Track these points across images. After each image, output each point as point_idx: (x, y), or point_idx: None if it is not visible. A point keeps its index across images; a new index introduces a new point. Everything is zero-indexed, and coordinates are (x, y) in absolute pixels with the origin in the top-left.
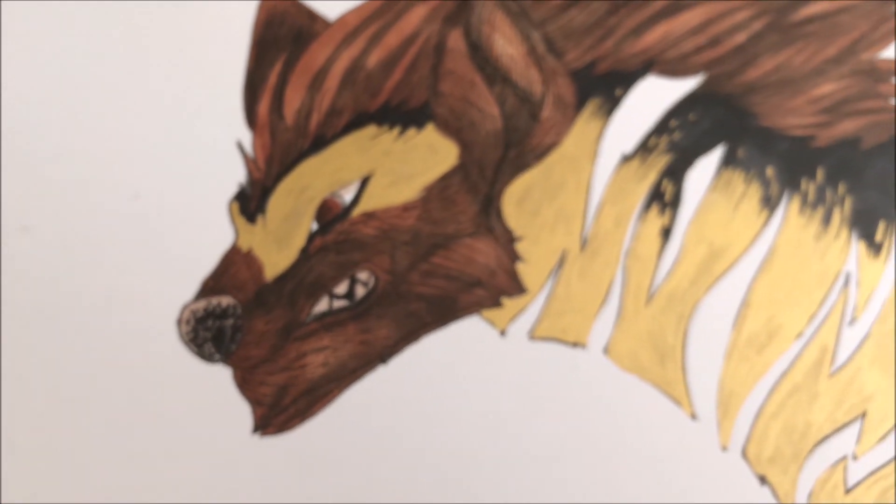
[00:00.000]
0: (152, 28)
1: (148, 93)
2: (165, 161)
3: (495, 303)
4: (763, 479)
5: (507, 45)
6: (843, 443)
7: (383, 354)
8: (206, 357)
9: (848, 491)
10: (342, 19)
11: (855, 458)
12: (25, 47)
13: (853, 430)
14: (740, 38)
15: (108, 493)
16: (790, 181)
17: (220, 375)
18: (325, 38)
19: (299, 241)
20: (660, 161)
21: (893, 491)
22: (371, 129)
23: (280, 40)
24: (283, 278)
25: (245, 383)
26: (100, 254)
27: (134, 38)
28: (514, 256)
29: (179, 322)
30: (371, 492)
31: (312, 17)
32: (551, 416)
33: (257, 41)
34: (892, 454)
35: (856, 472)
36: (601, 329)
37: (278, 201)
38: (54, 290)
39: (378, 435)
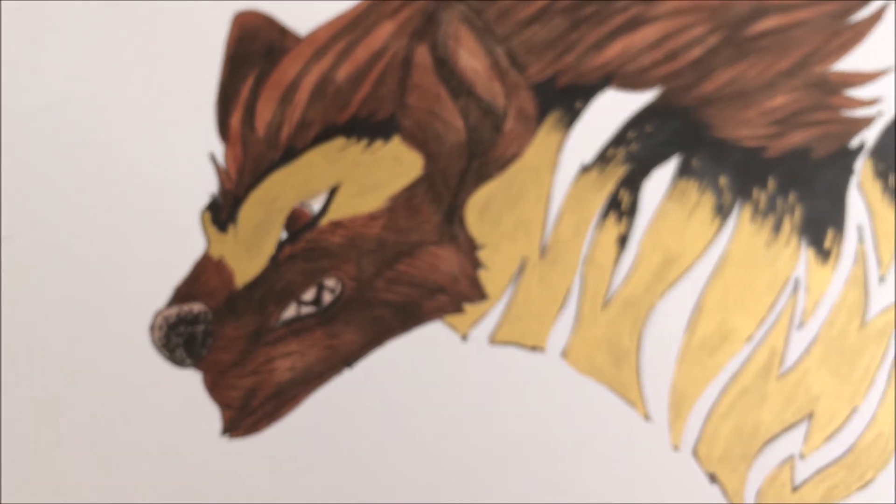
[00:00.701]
0: (129, 44)
1: (124, 105)
2: (140, 172)
3: (457, 308)
4: (713, 478)
5: (471, 59)
6: (791, 442)
7: (349, 358)
8: (178, 362)
9: (795, 489)
10: (312, 35)
11: (802, 457)
12: (4, 62)
13: (801, 430)
14: (696, 52)
15: (80, 493)
16: (742, 190)
17: (191, 379)
18: (295, 54)
19: (269, 249)
20: (617, 171)
21: (839, 489)
22: (340, 141)
23: (252, 55)
24: (252, 285)
25: (215, 387)
26: (74, 262)
27: (110, 54)
28: (476, 264)
29: (152, 328)
30: (336, 492)
31: (283, 32)
32: (510, 418)
33: (230, 56)
34: (839, 453)
35: (803, 470)
36: (559, 333)
37: (249, 211)
38: (30, 297)
39: (343, 437)
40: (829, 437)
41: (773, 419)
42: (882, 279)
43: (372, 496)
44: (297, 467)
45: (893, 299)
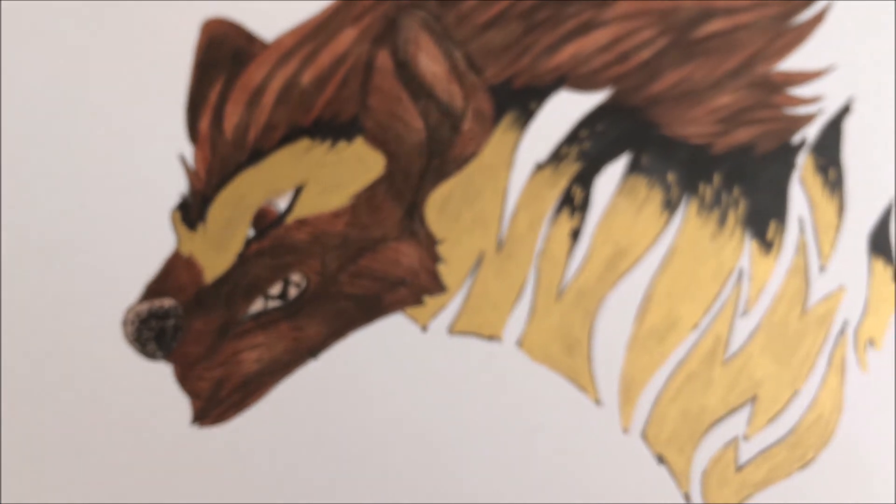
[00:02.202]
0: (103, 50)
1: (97, 109)
2: (113, 173)
3: (418, 301)
4: (661, 459)
5: (430, 63)
6: (735, 425)
7: (313, 350)
8: (149, 355)
9: (738, 469)
10: (278, 41)
11: (746, 438)
12: None
13: (744, 413)
14: (646, 54)
15: (55, 481)
16: (689, 185)
17: (162, 371)
18: (262, 59)
19: (237, 246)
20: (570, 169)
21: (781, 469)
22: (304, 143)
23: (220, 61)
24: (221, 281)
25: (185, 378)
26: (50, 260)
27: (83, 60)
28: (436, 258)
29: (124, 323)
30: (302, 479)
31: (250, 39)
32: (468, 404)
33: (199, 62)
34: (781, 435)
35: (746, 451)
36: (515, 323)
37: (218, 210)
38: (8, 294)
39: (308, 424)
40: (772, 420)
41: (718, 403)
42: (822, 269)
43: (336, 482)
44: (264, 455)
45: (833, 288)
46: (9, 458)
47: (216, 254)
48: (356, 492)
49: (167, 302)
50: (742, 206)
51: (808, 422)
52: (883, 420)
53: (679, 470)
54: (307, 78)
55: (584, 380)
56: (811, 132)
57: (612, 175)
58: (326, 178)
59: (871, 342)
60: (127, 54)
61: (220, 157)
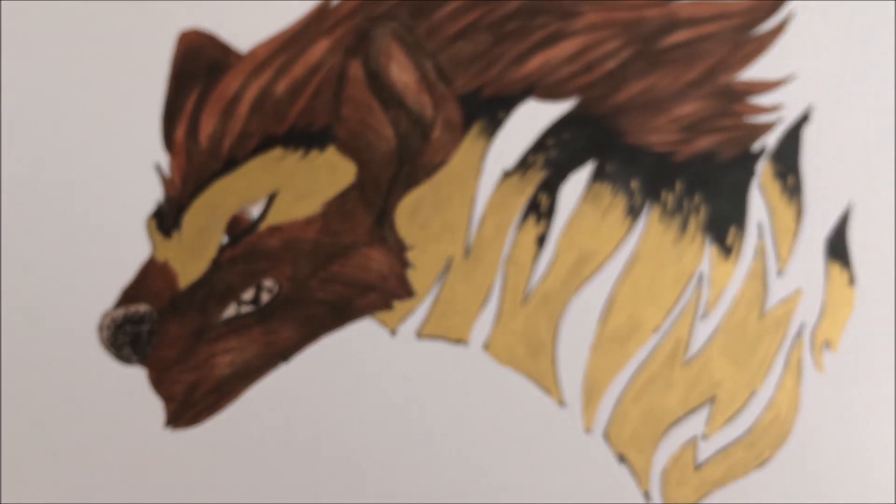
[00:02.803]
0: (80, 60)
1: (75, 119)
2: (90, 181)
3: (387, 305)
4: (622, 458)
5: (401, 73)
6: (694, 425)
7: (285, 353)
8: (124, 359)
9: (697, 468)
10: (253, 52)
11: (704, 438)
12: None
13: (703, 413)
14: (611, 64)
15: (30, 482)
16: (652, 192)
17: (137, 375)
18: (237, 69)
19: (211, 252)
20: (537, 176)
21: (739, 468)
22: (278, 151)
23: (196, 71)
24: (195, 287)
25: (159, 382)
26: (27, 265)
27: (62, 70)
28: (405, 263)
29: (100, 328)
30: (273, 479)
31: (226, 50)
32: (436, 406)
33: (175, 73)
34: (738, 434)
35: (705, 450)
36: (481, 327)
37: (192, 217)
38: None
39: (280, 426)
40: (730, 420)
41: (678, 403)
42: (780, 273)
43: (307, 481)
44: (235, 456)
45: (790, 291)
46: None
47: (191, 260)
48: (326, 490)
49: (142, 307)
50: (703, 212)
51: (765, 422)
52: (838, 420)
53: (639, 469)
54: (281, 88)
55: (548, 381)
56: (770, 140)
57: (577, 182)
58: (299, 186)
59: (828, 344)
60: (104, 64)
61: (195, 166)
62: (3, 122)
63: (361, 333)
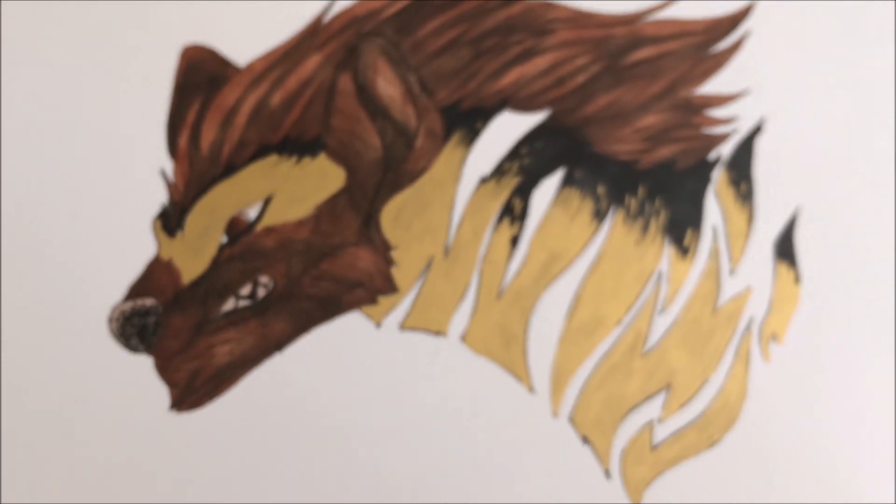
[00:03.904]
0: (92, 73)
1: (87, 129)
2: (100, 186)
3: (373, 300)
4: (585, 440)
5: (387, 86)
6: (652, 409)
7: (279, 344)
8: (132, 348)
9: (653, 448)
10: (250, 66)
11: (660, 421)
12: None
13: (660, 399)
14: (581, 79)
15: (44, 463)
16: (617, 197)
17: (143, 363)
18: (235, 82)
19: (211, 251)
20: (511, 182)
21: (691, 448)
22: (273, 158)
23: (197, 84)
24: (197, 283)
25: (164, 369)
26: (43, 263)
27: (76, 82)
28: (389, 262)
29: (110, 320)
30: (268, 457)
31: (225, 63)
32: (417, 392)
33: (178, 85)
34: (691, 418)
35: (661, 433)
36: (459, 320)
37: (194, 219)
38: (3, 295)
39: (274, 410)
40: (684, 405)
41: (637, 390)
42: (732, 272)
43: (299, 458)
44: (234, 437)
45: (741, 289)
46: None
47: (193, 258)
48: (318, 466)
49: (148, 301)
50: (663, 215)
51: (716, 407)
52: (783, 406)
53: (601, 449)
54: (276, 100)
55: (519, 370)
56: (726, 150)
57: (548, 188)
58: (292, 191)
59: (774, 337)
60: (113, 77)
61: (196, 172)
62: (22, 130)
63: (349, 326)
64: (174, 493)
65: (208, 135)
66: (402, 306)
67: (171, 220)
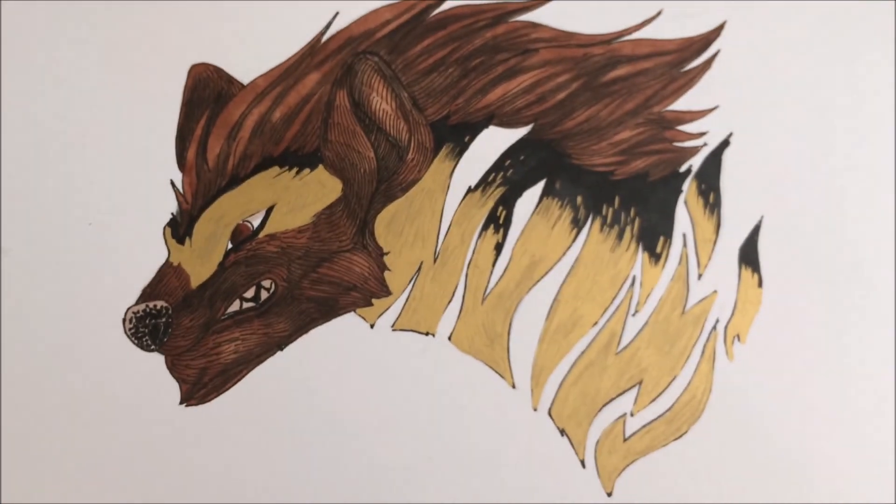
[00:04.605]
0: (107, 90)
1: (101, 143)
2: (114, 196)
3: (367, 303)
4: (563, 432)
5: (381, 102)
6: (624, 404)
7: (280, 343)
8: (145, 347)
9: (625, 440)
10: (253, 83)
11: (632, 415)
12: (6, 100)
13: (632, 394)
14: (561, 95)
15: (61, 453)
16: (594, 207)
17: (156, 361)
18: (239, 98)
19: (217, 256)
20: (496, 192)
21: (659, 439)
22: (274, 170)
23: (204, 100)
24: (204, 286)
25: (174, 366)
26: (62, 269)
27: (92, 99)
28: (383, 267)
29: (124, 321)
30: (270, 447)
31: (230, 81)
32: (407, 387)
33: (186, 101)
34: (660, 412)
35: (632, 425)
36: (447, 321)
37: (202, 227)
38: (27, 298)
39: (276, 404)
40: (653, 400)
41: (611, 386)
42: (700, 276)
43: (299, 448)
44: (239, 429)
45: (708, 292)
46: (30, 443)
47: (200, 263)
48: (317, 454)
49: (160, 303)
50: (637, 223)
51: (683, 401)
52: (745, 401)
53: (577, 441)
54: (277, 115)
55: (502, 367)
56: (696, 162)
57: (530, 197)
58: (292, 200)
59: (738, 337)
60: (127, 94)
61: (204, 183)
62: (46, 147)
63: (345, 326)
64: (184, 481)
65: (214, 148)
66: (395, 308)
67: (180, 228)
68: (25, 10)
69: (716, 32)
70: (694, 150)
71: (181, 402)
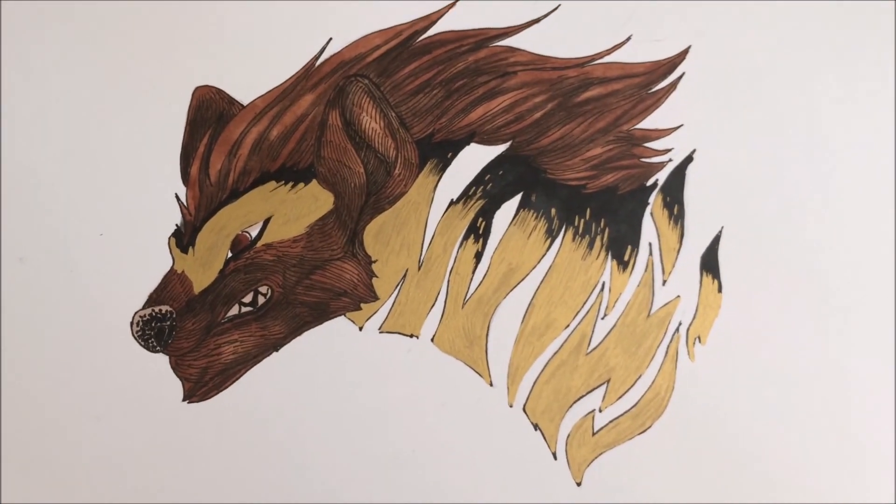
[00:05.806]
0: (116, 110)
1: (112, 159)
2: (123, 208)
3: (356, 307)
4: (536, 427)
5: (371, 121)
6: (593, 401)
7: (276, 344)
8: (151, 349)
9: (594, 434)
10: (252, 104)
11: (600, 411)
12: (25, 119)
13: (600, 391)
14: (537, 115)
15: (70, 445)
16: (567, 218)
17: (161, 361)
18: (239, 118)
19: (218, 264)
20: (477, 204)
21: (625, 433)
22: (272, 184)
23: (207, 119)
24: (206, 292)
25: (178, 366)
26: (75, 276)
27: (103, 119)
28: (371, 274)
29: (132, 324)
30: (266, 442)
31: (231, 101)
32: (392, 386)
33: (190, 121)
34: (626, 408)
35: (600, 420)
36: (430, 324)
37: (204, 237)
38: (42, 303)
39: (272, 401)
40: (620, 397)
41: (581, 384)
42: (664, 282)
43: (293, 442)
44: (238, 424)
45: (671, 297)
46: (34, 443)
47: (203, 271)
48: (309, 447)
49: (165, 308)
50: (606, 233)
51: (648, 398)
52: (705, 398)
53: (549, 435)
54: (275, 133)
55: (481, 367)
56: (661, 176)
57: (508, 209)
58: (288, 212)
59: (699, 339)
60: (135, 114)
61: (206, 196)
62: (61, 164)
63: (336, 328)
64: (187, 473)
65: (216, 164)
66: (381, 312)
67: (184, 238)
68: (39, 40)
69: (681, 56)
70: (660, 166)
71: (184, 399)
